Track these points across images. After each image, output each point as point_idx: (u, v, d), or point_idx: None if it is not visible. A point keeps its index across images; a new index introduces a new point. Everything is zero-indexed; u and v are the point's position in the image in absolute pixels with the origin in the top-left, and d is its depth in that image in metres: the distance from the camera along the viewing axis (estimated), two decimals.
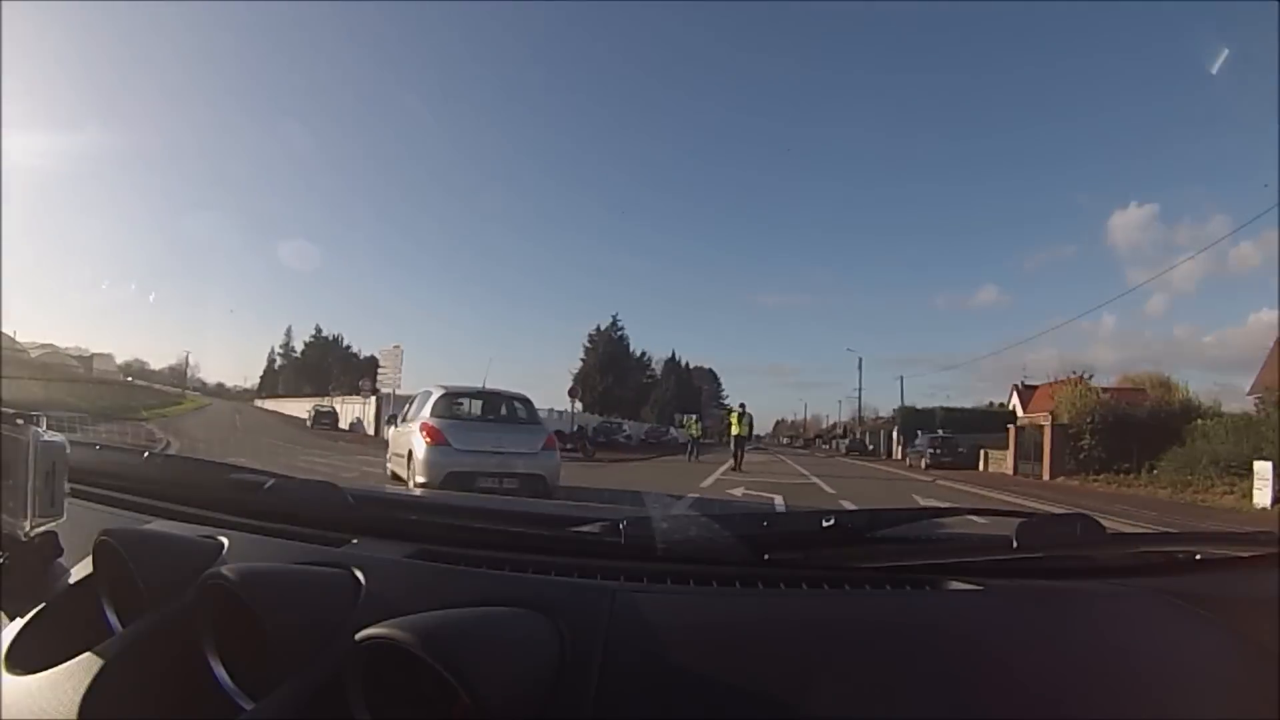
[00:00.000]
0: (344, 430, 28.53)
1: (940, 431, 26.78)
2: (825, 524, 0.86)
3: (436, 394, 7.87)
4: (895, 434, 34.60)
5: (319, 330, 53.18)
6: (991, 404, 38.17)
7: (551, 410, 25.04)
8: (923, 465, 23.03)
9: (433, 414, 7.41)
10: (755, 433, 25.31)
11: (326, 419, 29.56)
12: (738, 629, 0.70)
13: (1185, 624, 0.75)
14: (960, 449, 24.10)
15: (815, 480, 13.78)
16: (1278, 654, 0.70)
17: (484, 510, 1.21)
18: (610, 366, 44.25)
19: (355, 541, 0.91)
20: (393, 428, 9.09)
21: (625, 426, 32.40)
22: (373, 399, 26.18)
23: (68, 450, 0.93)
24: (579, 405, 29.37)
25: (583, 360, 44.97)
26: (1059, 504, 10.75)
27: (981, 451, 24.08)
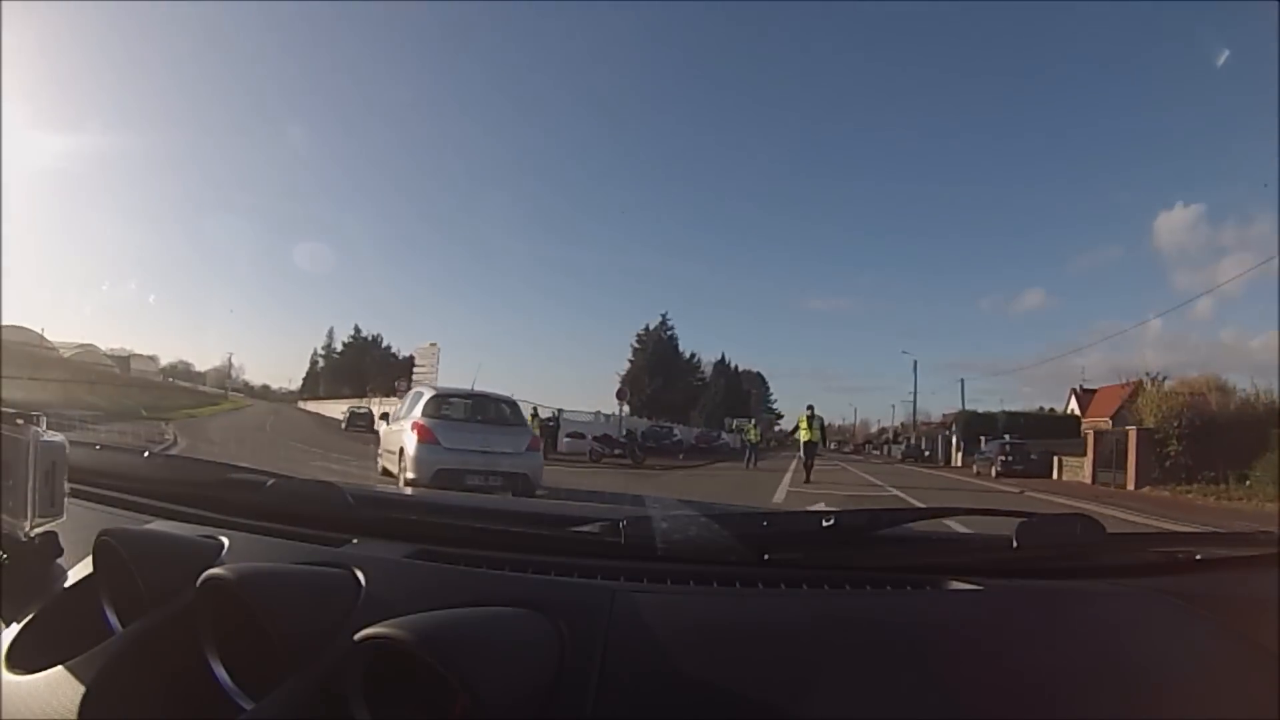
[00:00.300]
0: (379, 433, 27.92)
1: (1007, 437, 24.93)
2: (825, 524, 0.86)
3: (428, 394, 8.29)
4: (954, 439, 32.89)
5: (357, 330, 52.37)
6: (1042, 408, 36.89)
7: (599, 413, 23.97)
8: (993, 473, 21.20)
9: (424, 414, 7.75)
10: (763, 437, 24.02)
11: (361, 421, 27.94)
12: (738, 629, 0.70)
13: (1185, 624, 0.75)
14: (1032, 455, 22.12)
15: (895, 491, 12.48)
16: (1278, 654, 0.70)
17: (484, 510, 1.21)
18: (659, 368, 42.28)
19: (355, 541, 0.91)
20: (384, 425, 9.48)
21: (675, 431, 30.45)
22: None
23: (68, 450, 0.93)
24: (626, 408, 27.35)
25: (630, 361, 43.35)
26: (1192, 522, 8.74)
27: (1055, 459, 22.01)
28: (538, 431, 14.30)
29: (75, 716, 0.70)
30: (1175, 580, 0.84)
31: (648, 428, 26.94)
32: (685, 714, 0.62)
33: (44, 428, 0.91)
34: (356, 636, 0.64)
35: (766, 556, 0.83)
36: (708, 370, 48.84)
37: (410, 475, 7.16)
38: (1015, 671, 0.67)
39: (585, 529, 0.90)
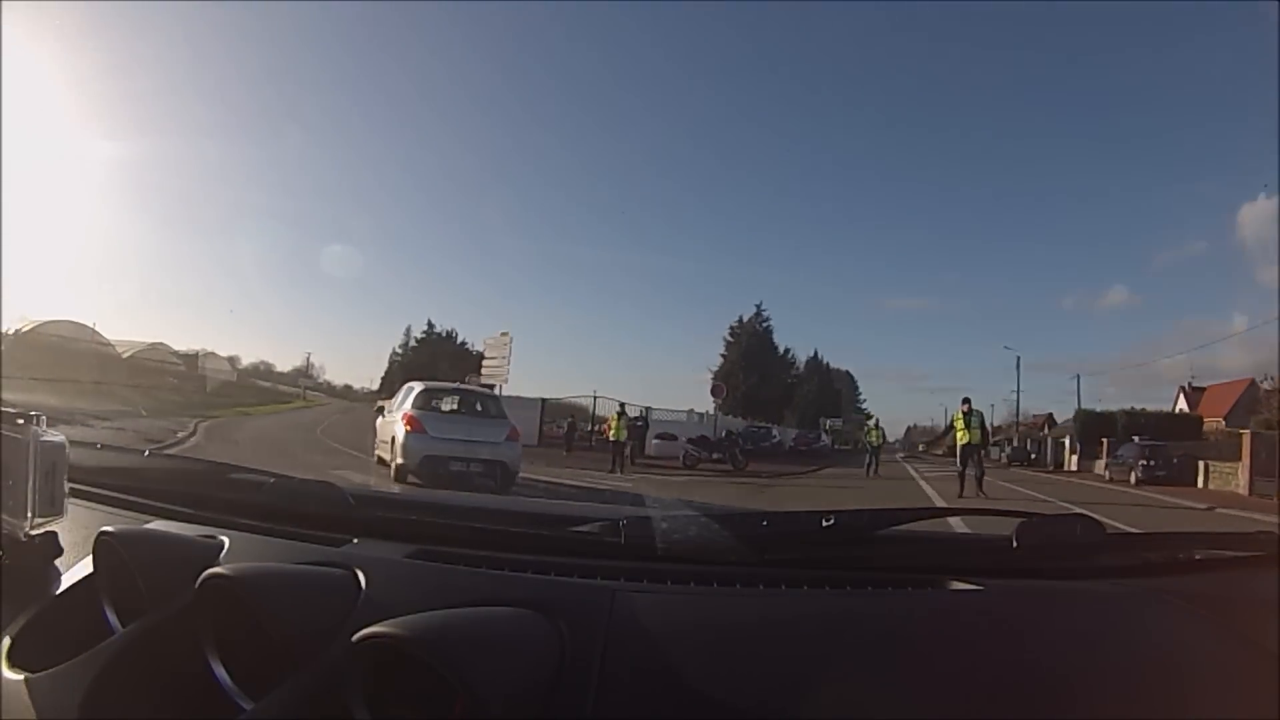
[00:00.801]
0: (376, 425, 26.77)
1: (1136, 439, 21.32)
2: (825, 524, 0.86)
3: (418, 389, 9.03)
4: (1069, 441, 28.90)
5: (431, 326, 50.14)
6: (1133, 408, 32.94)
7: (691, 412, 22.87)
8: (1132, 479, 18.05)
9: (414, 406, 8.46)
10: (886, 440, 21.33)
11: None
12: (738, 629, 0.70)
13: (1185, 624, 0.75)
14: (1174, 459, 18.67)
15: (1066, 506, 10.55)
16: (1278, 654, 0.70)
17: (484, 510, 1.21)
18: (754, 363, 37.67)
19: (355, 541, 0.91)
20: (380, 418, 9.98)
21: (774, 431, 27.92)
22: None
23: (68, 450, 0.93)
24: (715, 407, 24.73)
25: (723, 356, 39.16)
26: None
27: (1200, 464, 18.58)
28: (625, 433, 14.83)
29: (75, 716, 0.70)
30: (1175, 580, 0.84)
31: (744, 428, 24.16)
32: (685, 714, 0.62)
33: (44, 427, 0.91)
34: (356, 636, 0.64)
35: (766, 556, 0.83)
36: (799, 367, 44.81)
37: (399, 461, 7.85)
38: (1016, 672, 0.67)
39: (585, 529, 0.90)
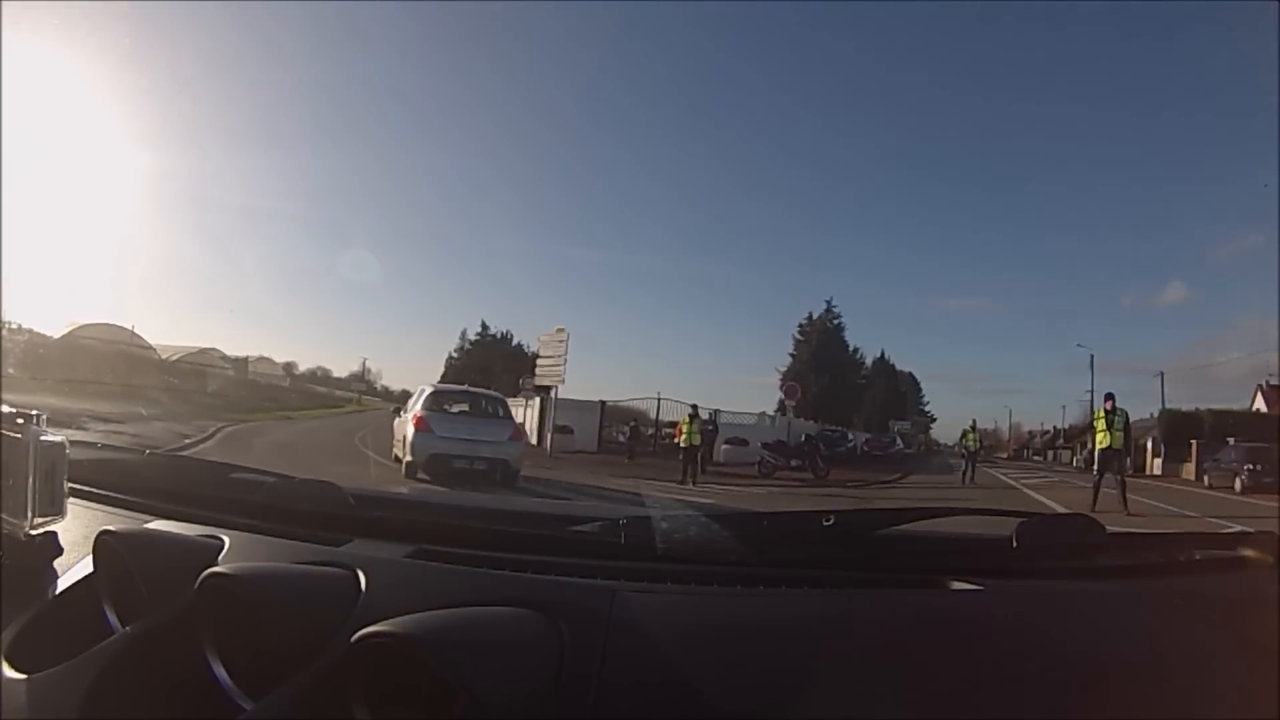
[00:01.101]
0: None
1: (1231, 440, 18.92)
2: (825, 524, 0.86)
3: (428, 391, 9.72)
4: (1151, 444, 26.11)
5: (485, 327, 48.07)
6: (1197, 408, 30.25)
7: (763, 414, 21.41)
8: (1236, 486, 16.27)
9: (423, 407, 9.10)
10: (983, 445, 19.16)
11: None
12: (738, 629, 0.70)
13: (1185, 624, 0.75)
14: None
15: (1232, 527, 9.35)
16: (1278, 654, 0.70)
17: (484, 510, 1.21)
18: (826, 363, 34.92)
19: (355, 541, 0.91)
20: (397, 419, 10.53)
21: (849, 436, 25.47)
22: (536, 400, 20.90)
23: (68, 450, 0.93)
24: (789, 409, 22.68)
25: (792, 356, 36.35)
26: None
27: None
28: (698, 437, 13.38)
29: (75, 716, 0.70)
30: (1175, 580, 0.84)
31: (818, 432, 21.74)
32: (685, 714, 0.62)
33: (44, 427, 0.91)
34: (356, 636, 0.64)
35: (767, 556, 0.83)
36: (866, 368, 42.17)
37: (408, 458, 8.51)
38: (1016, 672, 0.67)
39: (585, 529, 0.90)
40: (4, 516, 0.87)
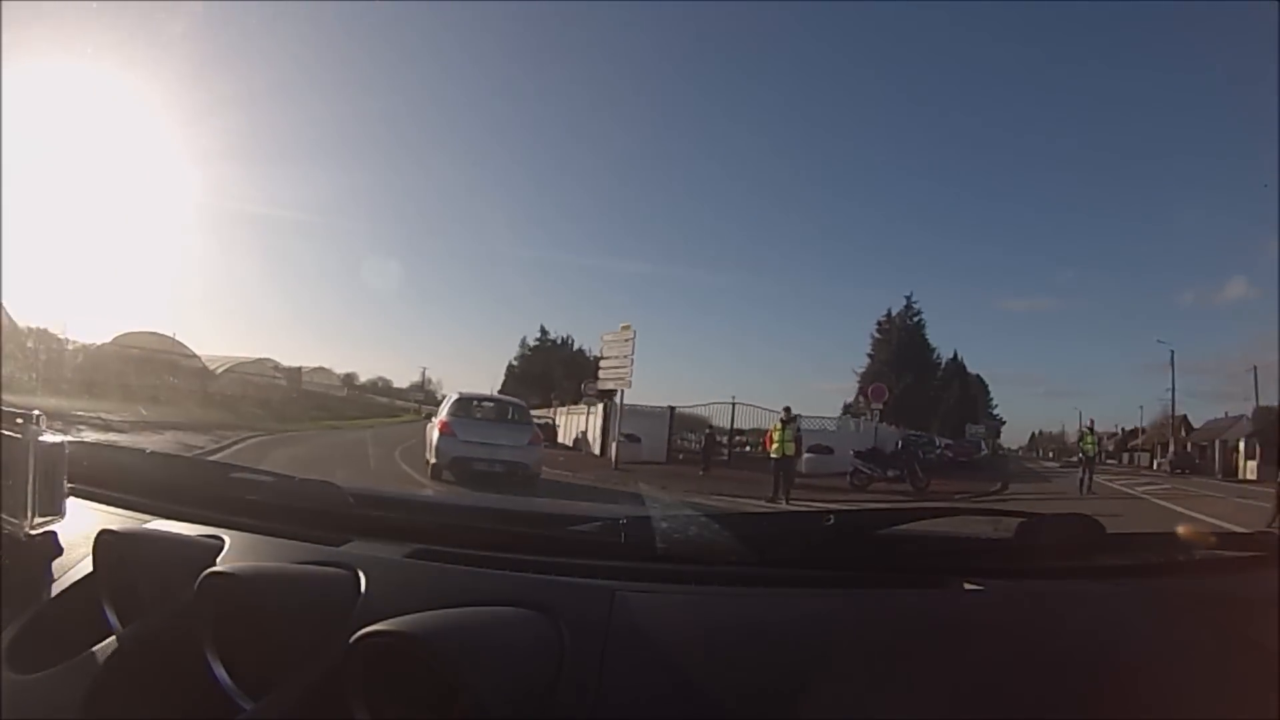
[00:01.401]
0: (567, 448, 21.23)
1: None
2: (826, 524, 0.86)
3: (454, 398, 10.41)
4: (1243, 445, 23.49)
5: (544, 332, 47.60)
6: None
7: (845, 418, 19.21)
8: None
9: (448, 413, 9.72)
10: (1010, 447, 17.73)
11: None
12: (738, 629, 0.70)
13: (1185, 624, 0.75)
14: None
15: None
16: (1278, 654, 0.70)
17: (484, 510, 1.21)
18: (908, 362, 31.19)
19: (355, 541, 0.91)
20: (428, 423, 11.00)
21: (937, 442, 23.07)
22: (599, 407, 19.21)
23: (67, 450, 0.93)
24: (876, 413, 20.22)
25: (870, 356, 32.37)
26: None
27: None
28: (792, 445, 11.39)
29: (75, 716, 0.70)
30: (1175, 580, 0.84)
31: (905, 437, 19.54)
32: (685, 714, 0.62)
33: (43, 428, 0.91)
34: (356, 636, 0.63)
35: (767, 556, 0.83)
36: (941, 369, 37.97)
37: (433, 460, 9.11)
38: (1016, 671, 0.67)
39: (585, 529, 0.90)
40: (4, 516, 0.87)
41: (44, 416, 0.92)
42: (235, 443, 12.23)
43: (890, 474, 13.03)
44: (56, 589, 0.88)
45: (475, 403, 10.72)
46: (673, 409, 19.46)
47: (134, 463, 1.26)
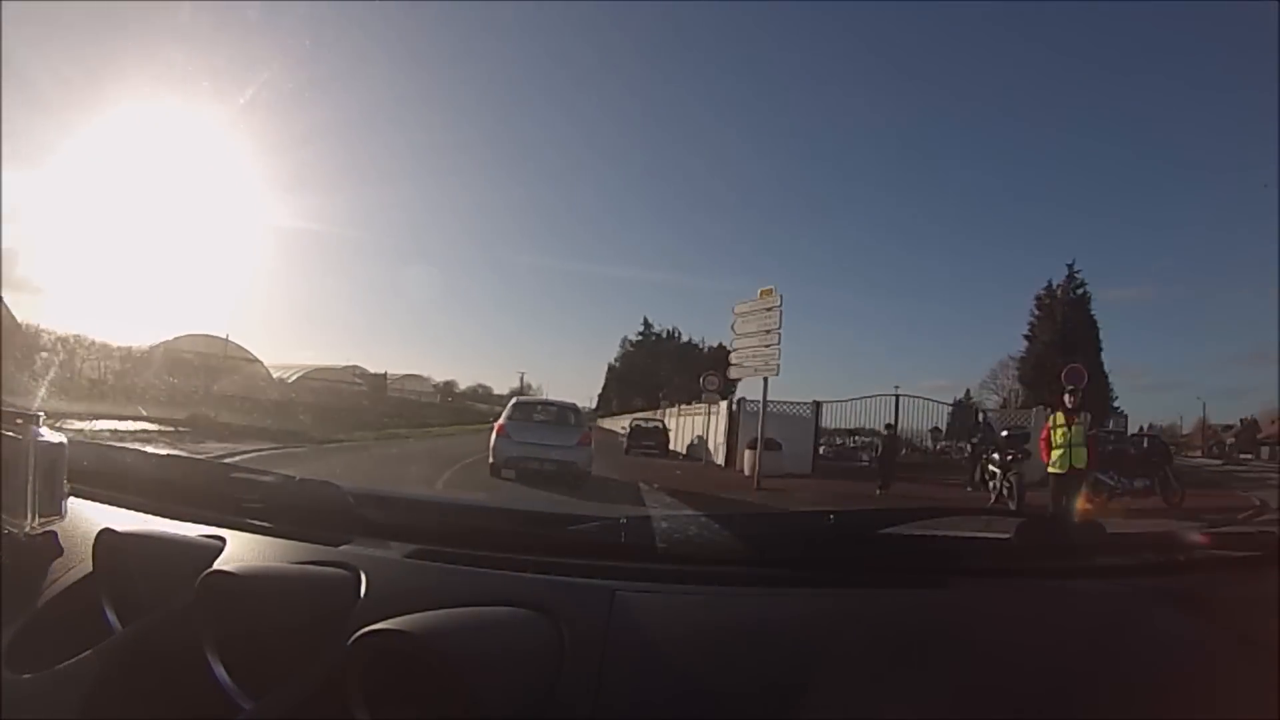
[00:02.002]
0: (679, 455, 18.82)
1: None
2: (825, 523, 0.86)
3: (513, 402, 11.47)
4: None
5: (648, 326, 41.36)
6: None
7: (1039, 409, 11.42)
8: None
9: (506, 417, 10.64)
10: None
11: (648, 439, 19.26)
12: (738, 629, 0.70)
13: (1185, 624, 0.75)
14: None
15: None
16: (1278, 654, 0.70)
17: (484, 510, 1.21)
18: (1077, 342, 24.99)
19: (355, 541, 0.91)
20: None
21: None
22: (722, 406, 16.35)
23: (67, 450, 0.93)
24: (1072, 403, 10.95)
25: (1029, 337, 27.13)
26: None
27: None
28: (1084, 453, 6.39)
29: (75, 716, 0.70)
30: (1175, 580, 0.84)
31: (1117, 438, 13.84)
32: (685, 714, 0.62)
33: (43, 428, 0.91)
34: (356, 636, 0.64)
35: (766, 556, 0.83)
36: None
37: (491, 460, 9.97)
38: (1016, 671, 0.67)
39: (585, 529, 0.90)
40: (4, 516, 0.87)
41: (44, 415, 0.92)
42: (248, 454, 10.55)
43: (1137, 485, 10.18)
44: (56, 589, 0.87)
45: (532, 406, 11.64)
46: (819, 405, 15.41)
47: (134, 463, 1.26)
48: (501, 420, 10.58)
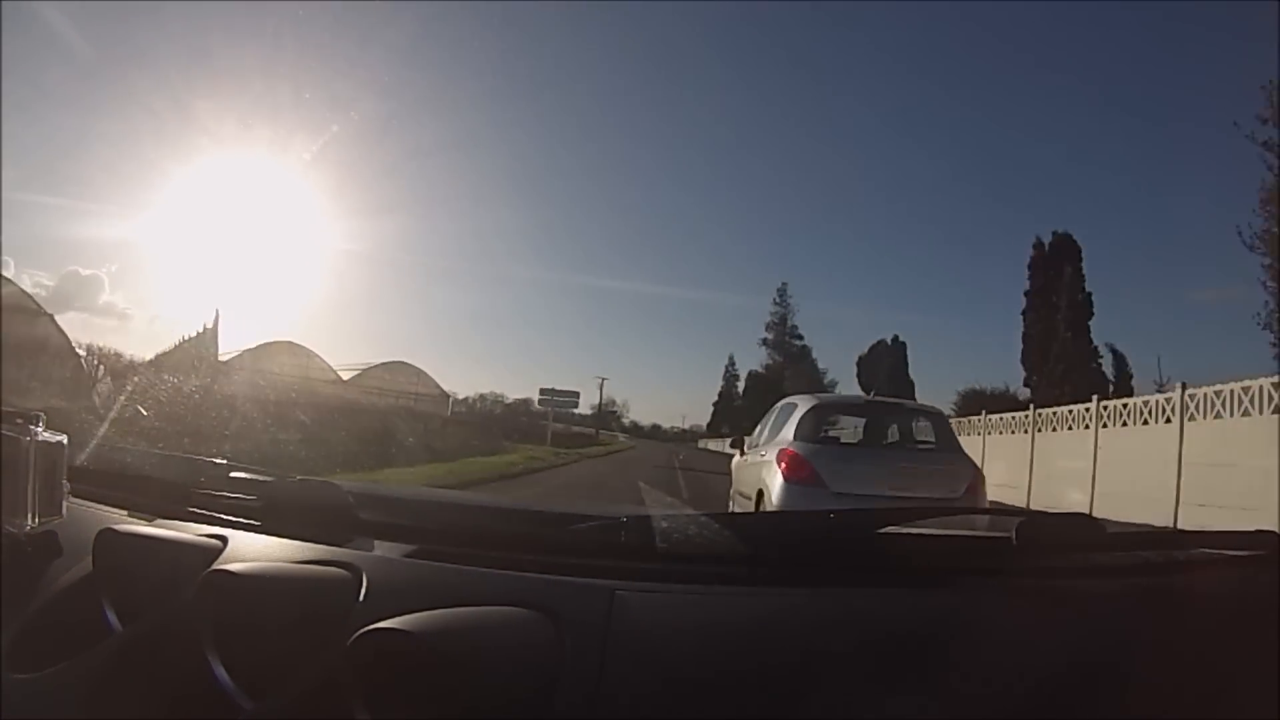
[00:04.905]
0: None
1: None
2: (825, 523, 0.86)
3: (803, 407, 5.38)
4: None
5: (785, 324, 38.99)
6: None
7: None
8: None
9: (797, 436, 5.07)
10: None
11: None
12: (738, 629, 0.70)
13: (1185, 624, 0.75)
14: None
15: None
16: (1278, 654, 0.70)
17: (484, 510, 1.21)
18: None
19: (355, 541, 0.91)
20: (737, 459, 6.70)
21: None
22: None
23: (67, 450, 0.93)
24: None
25: None
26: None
27: None
28: None
29: (75, 716, 0.70)
30: (1175, 580, 0.85)
31: None
32: (685, 714, 0.62)
33: (43, 427, 0.91)
34: (356, 636, 0.64)
35: (767, 556, 0.83)
36: None
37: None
38: (1016, 671, 0.67)
39: (585, 528, 0.90)
40: (4, 516, 0.87)
41: (43, 415, 0.92)
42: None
43: None
44: (56, 589, 0.88)
45: (847, 414, 6.26)
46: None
47: (134, 463, 1.26)
48: (788, 443, 4.98)
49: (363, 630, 0.64)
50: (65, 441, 0.93)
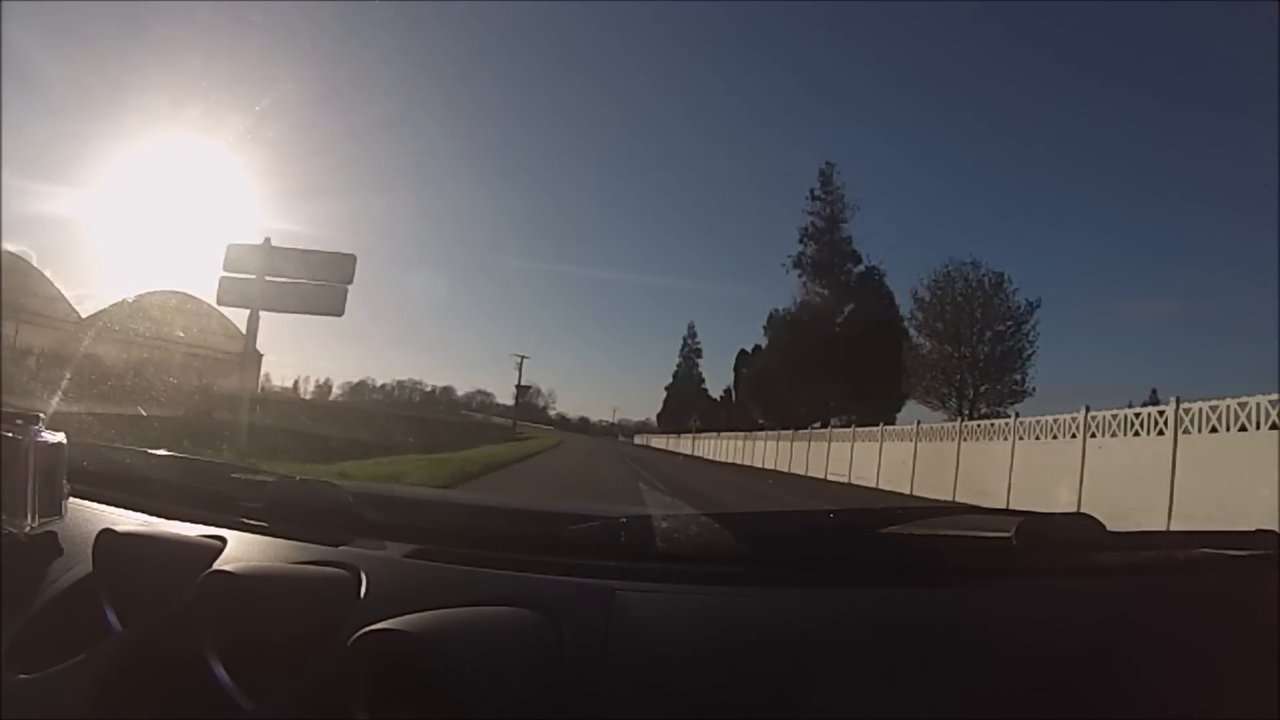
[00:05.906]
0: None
1: None
2: (826, 522, 0.86)
3: None
4: None
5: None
6: None
7: None
8: None
9: None
10: None
11: None
12: (738, 629, 0.70)
13: (1185, 624, 0.75)
14: None
15: None
16: (1278, 654, 0.70)
17: (484, 510, 1.21)
18: None
19: (355, 541, 0.91)
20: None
21: None
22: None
23: (67, 450, 0.93)
24: None
25: None
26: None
27: None
28: None
29: (75, 717, 0.70)
30: (1175, 580, 0.84)
31: None
32: (685, 714, 0.62)
33: (43, 427, 0.91)
34: (356, 636, 0.64)
35: (766, 556, 0.83)
36: None
37: None
38: (1015, 671, 0.67)
39: (585, 528, 0.90)
40: (4, 516, 0.87)
41: (43, 415, 0.92)
42: None
43: None
44: (56, 589, 0.87)
45: None
46: None
47: (134, 462, 1.26)
48: None
49: (363, 631, 0.64)
50: (64, 441, 0.93)
